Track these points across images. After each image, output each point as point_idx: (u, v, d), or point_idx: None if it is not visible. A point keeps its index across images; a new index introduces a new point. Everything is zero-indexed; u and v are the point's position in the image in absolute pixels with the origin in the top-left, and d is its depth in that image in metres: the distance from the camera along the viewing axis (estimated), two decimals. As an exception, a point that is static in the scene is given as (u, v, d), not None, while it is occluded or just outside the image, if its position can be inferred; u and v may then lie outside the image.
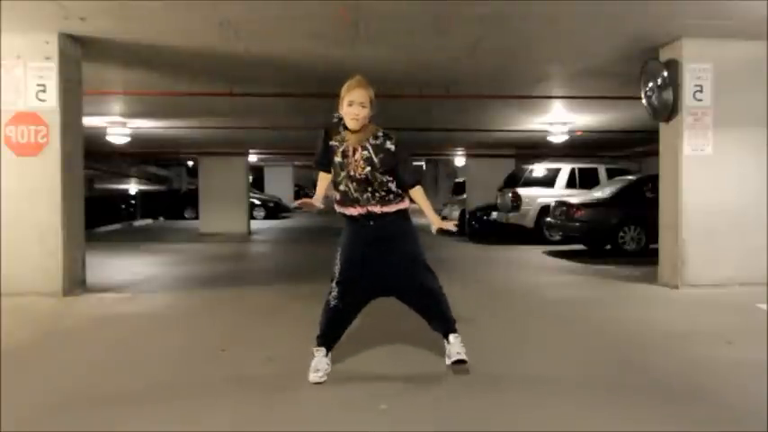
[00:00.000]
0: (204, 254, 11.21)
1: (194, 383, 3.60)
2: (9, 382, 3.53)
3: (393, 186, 3.48)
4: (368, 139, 3.44)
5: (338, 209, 3.55)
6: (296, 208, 3.84)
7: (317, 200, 3.58)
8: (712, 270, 6.61)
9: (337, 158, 3.45)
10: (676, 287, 6.64)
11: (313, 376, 3.45)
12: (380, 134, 3.48)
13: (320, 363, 3.51)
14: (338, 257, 3.52)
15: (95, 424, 2.99)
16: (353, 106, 3.39)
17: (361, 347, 4.13)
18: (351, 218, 3.51)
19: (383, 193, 3.46)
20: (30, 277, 6.19)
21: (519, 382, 3.60)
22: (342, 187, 3.46)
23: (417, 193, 3.56)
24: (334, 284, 3.51)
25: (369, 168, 3.40)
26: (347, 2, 5.49)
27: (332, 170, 3.50)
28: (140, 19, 5.94)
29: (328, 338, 3.58)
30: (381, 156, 3.42)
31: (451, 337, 3.60)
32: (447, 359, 3.59)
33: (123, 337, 4.80)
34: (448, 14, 5.85)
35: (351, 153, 3.42)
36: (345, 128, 3.47)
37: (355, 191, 3.44)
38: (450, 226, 3.65)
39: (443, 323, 3.63)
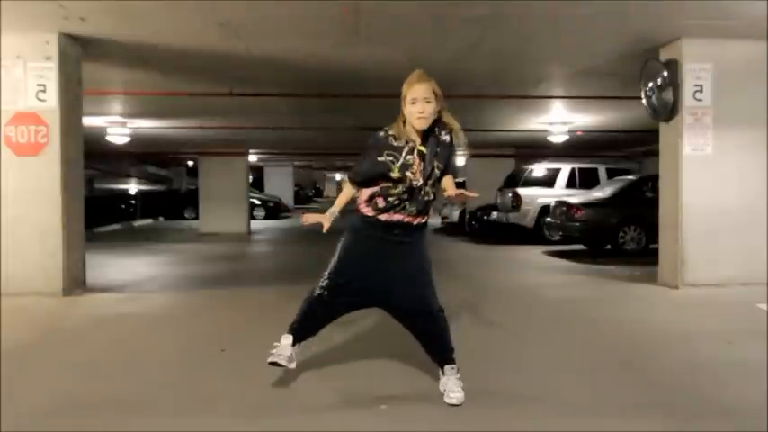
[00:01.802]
0: (204, 254, 11.21)
1: (194, 383, 3.60)
2: (9, 382, 3.53)
3: (433, 194, 3.20)
4: (430, 141, 3.14)
5: (368, 212, 3.19)
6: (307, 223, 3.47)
7: (332, 214, 3.30)
8: (712, 270, 6.61)
9: (394, 174, 3.08)
10: (676, 287, 6.64)
11: (273, 358, 3.23)
12: (435, 127, 3.17)
13: (284, 349, 3.26)
14: (340, 248, 3.26)
15: (95, 424, 2.99)
16: (418, 103, 3.06)
17: (361, 353, 4.13)
18: (376, 222, 3.17)
19: (430, 199, 3.18)
20: (30, 277, 6.19)
21: (518, 382, 3.60)
22: (392, 199, 3.12)
23: (448, 180, 3.23)
24: (326, 273, 3.25)
25: (428, 171, 3.11)
26: (347, 2, 5.49)
27: (382, 184, 3.15)
28: (140, 19, 5.94)
29: (300, 329, 3.32)
30: (438, 150, 3.14)
31: (447, 368, 3.22)
32: (444, 393, 3.19)
33: (123, 338, 4.80)
34: (448, 14, 5.84)
35: (416, 161, 3.10)
36: (402, 133, 3.14)
37: (408, 199, 3.12)
38: (470, 193, 3.22)
39: (441, 351, 3.26)
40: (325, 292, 3.24)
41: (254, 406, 3.22)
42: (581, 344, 4.53)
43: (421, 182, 3.11)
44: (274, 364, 3.25)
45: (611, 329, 5.00)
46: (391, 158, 3.10)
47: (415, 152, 3.11)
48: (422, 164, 3.11)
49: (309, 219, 3.40)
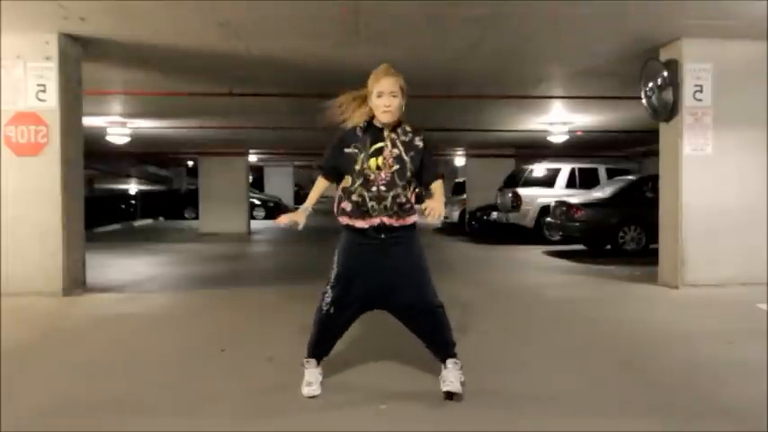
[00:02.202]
0: (204, 254, 11.21)
1: (194, 384, 3.60)
2: (9, 382, 3.53)
3: (410, 196, 3.18)
4: (398, 136, 3.14)
5: (344, 221, 3.19)
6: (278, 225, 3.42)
7: (305, 210, 3.24)
8: (712, 270, 6.61)
9: (356, 166, 3.09)
10: (676, 287, 6.64)
11: (307, 390, 3.25)
12: (408, 129, 3.18)
13: (312, 375, 3.31)
14: (335, 260, 3.23)
15: (95, 424, 2.99)
16: (384, 97, 3.06)
17: (361, 353, 4.13)
18: (358, 229, 3.16)
19: (402, 202, 3.11)
20: (30, 277, 6.20)
21: (518, 382, 3.60)
22: (355, 197, 3.11)
23: (437, 184, 3.24)
24: (328, 288, 3.23)
25: (397, 167, 3.08)
26: (347, 2, 5.49)
27: (345, 178, 3.16)
28: (140, 19, 5.94)
29: (319, 348, 3.34)
30: (412, 154, 3.12)
31: (449, 362, 3.22)
32: (442, 383, 3.21)
33: (123, 338, 4.80)
34: (448, 15, 5.85)
35: (380, 155, 3.09)
36: (369, 126, 3.15)
37: (371, 199, 3.08)
38: (435, 220, 3.18)
39: (443, 347, 3.27)
40: (332, 308, 3.22)
41: (254, 406, 3.22)
42: (581, 344, 4.53)
43: (381, 176, 3.07)
44: (312, 397, 3.24)
45: (611, 329, 5.00)
46: (357, 150, 3.12)
47: (380, 145, 3.11)
48: (386, 159, 3.09)
49: (283, 219, 3.31)
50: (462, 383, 3.19)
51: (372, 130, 3.16)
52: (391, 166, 3.09)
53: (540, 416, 3.09)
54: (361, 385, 3.50)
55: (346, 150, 3.14)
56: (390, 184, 3.09)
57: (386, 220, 3.12)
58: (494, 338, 4.64)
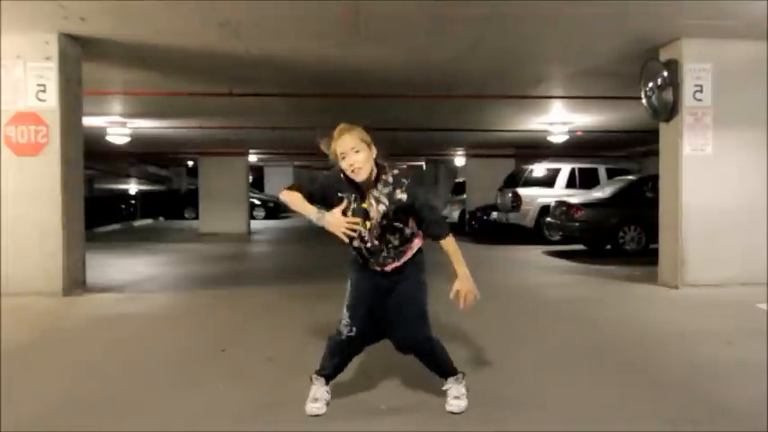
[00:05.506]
0: (204, 254, 11.21)
1: (194, 384, 3.60)
2: (9, 382, 3.53)
3: (408, 231, 3.04)
4: (380, 192, 2.96)
5: (352, 253, 3.14)
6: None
7: (321, 213, 2.98)
8: (712, 270, 6.61)
9: (349, 213, 2.99)
10: (676, 287, 6.64)
11: (311, 407, 3.08)
12: (390, 180, 2.97)
13: (319, 391, 3.13)
14: (349, 283, 3.16)
15: (94, 424, 2.99)
16: (348, 156, 2.90)
17: (362, 353, 4.13)
18: (362, 263, 3.11)
19: (397, 245, 3.03)
20: (30, 277, 6.20)
21: (517, 383, 3.60)
22: (356, 243, 3.04)
23: (449, 243, 3.02)
24: (344, 310, 3.10)
25: (385, 223, 2.97)
26: (348, 2, 5.49)
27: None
28: (140, 19, 5.94)
29: (332, 370, 3.19)
30: (393, 207, 2.95)
31: (450, 379, 3.17)
32: (446, 400, 3.15)
33: (123, 338, 4.80)
34: (447, 15, 5.85)
35: (366, 214, 2.98)
36: (348, 180, 2.98)
37: (368, 252, 3.03)
38: (470, 299, 3.12)
39: (437, 373, 3.20)
40: (350, 327, 3.08)
41: (254, 406, 3.22)
42: (581, 344, 4.53)
43: (373, 233, 2.97)
44: (316, 416, 3.08)
45: (611, 329, 5.00)
46: (348, 201, 2.99)
47: (365, 206, 2.97)
48: (373, 220, 2.97)
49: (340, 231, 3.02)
50: (465, 396, 3.13)
51: (355, 184, 2.98)
52: (380, 223, 2.98)
53: (540, 416, 3.08)
54: (360, 387, 3.50)
55: (340, 194, 3.01)
56: (381, 238, 3.01)
57: (386, 268, 3.07)
58: (493, 338, 4.64)
